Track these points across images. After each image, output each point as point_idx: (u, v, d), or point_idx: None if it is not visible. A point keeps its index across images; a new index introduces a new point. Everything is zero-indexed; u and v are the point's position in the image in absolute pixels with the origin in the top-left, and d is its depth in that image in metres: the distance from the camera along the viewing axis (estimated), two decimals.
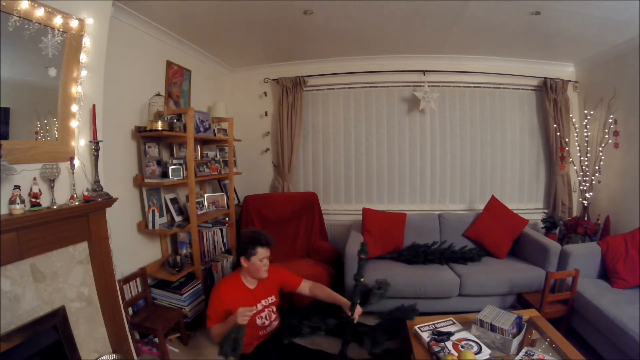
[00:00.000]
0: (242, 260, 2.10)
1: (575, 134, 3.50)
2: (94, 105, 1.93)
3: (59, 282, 1.73)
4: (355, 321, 1.99)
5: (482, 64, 3.74)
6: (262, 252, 2.09)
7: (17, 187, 1.52)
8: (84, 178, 1.91)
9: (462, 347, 1.69)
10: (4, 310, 1.47)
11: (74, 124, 1.84)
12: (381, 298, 2.16)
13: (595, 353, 2.19)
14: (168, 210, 2.86)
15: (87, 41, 1.86)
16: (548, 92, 3.63)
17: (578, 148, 3.48)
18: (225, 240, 3.22)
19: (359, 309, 2.02)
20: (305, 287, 2.27)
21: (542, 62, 3.72)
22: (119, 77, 2.43)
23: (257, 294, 2.15)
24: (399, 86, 3.87)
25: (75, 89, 1.84)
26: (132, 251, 2.57)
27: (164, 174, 2.73)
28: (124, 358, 1.98)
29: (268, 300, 2.20)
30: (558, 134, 3.60)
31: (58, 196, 1.71)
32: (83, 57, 1.85)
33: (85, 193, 1.84)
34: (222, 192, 3.56)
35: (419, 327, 1.89)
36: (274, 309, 2.22)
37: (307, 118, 4.01)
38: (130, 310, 2.35)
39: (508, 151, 3.88)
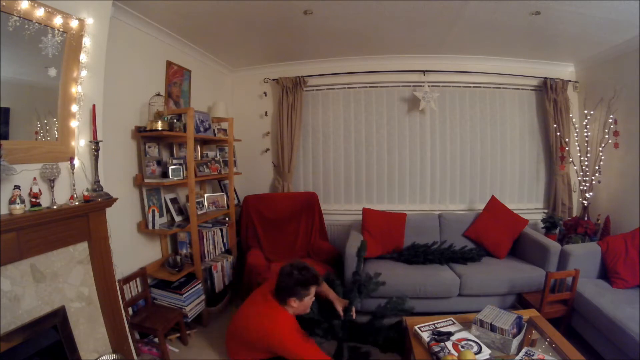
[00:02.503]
0: (292, 301, 1.96)
1: (575, 134, 3.50)
2: (94, 105, 1.93)
3: (59, 282, 1.73)
4: (353, 317, 2.06)
5: (482, 64, 3.74)
6: (313, 291, 2.00)
7: (17, 187, 1.52)
8: (84, 178, 1.91)
9: (462, 347, 1.69)
10: (4, 310, 1.47)
11: (74, 124, 1.84)
12: (377, 286, 2.28)
13: (595, 353, 2.19)
14: (168, 210, 2.86)
15: (87, 41, 1.86)
16: (548, 92, 3.63)
17: (578, 148, 3.48)
18: (225, 240, 3.22)
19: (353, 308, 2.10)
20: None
21: (542, 62, 3.72)
22: (119, 77, 2.43)
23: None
24: (399, 86, 3.87)
25: (75, 89, 1.84)
26: (132, 251, 2.57)
27: (164, 174, 2.73)
28: (124, 358, 1.98)
29: None
30: (558, 134, 3.60)
31: (58, 196, 1.71)
32: (83, 57, 1.85)
33: (85, 193, 1.84)
34: (222, 192, 3.56)
35: (419, 327, 1.89)
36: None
37: (307, 118, 4.01)
38: (130, 310, 2.35)
39: (508, 151, 3.88)
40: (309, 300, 1.98)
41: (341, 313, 2.10)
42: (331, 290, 2.25)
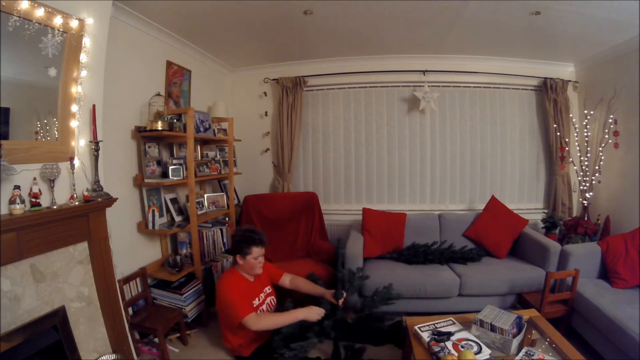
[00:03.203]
0: (238, 258, 2.16)
1: (575, 134, 3.50)
2: (94, 105, 1.93)
3: (59, 282, 1.73)
4: (340, 304, 2.16)
5: (482, 64, 3.74)
6: (256, 251, 2.14)
7: (17, 187, 1.52)
8: (84, 178, 1.90)
9: (462, 347, 1.69)
10: (4, 310, 1.47)
11: (74, 124, 1.84)
12: (362, 280, 2.39)
13: (595, 353, 2.19)
14: (168, 210, 2.86)
15: (87, 41, 1.86)
16: (548, 92, 3.63)
17: (578, 148, 3.48)
18: (225, 240, 3.22)
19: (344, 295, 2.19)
20: (286, 279, 2.41)
21: (542, 62, 3.72)
22: (119, 77, 2.43)
23: (255, 286, 2.24)
24: (399, 86, 3.87)
25: (75, 89, 1.84)
26: (132, 251, 2.57)
27: (164, 174, 2.73)
28: (124, 358, 1.98)
29: (266, 292, 2.29)
30: (558, 134, 3.60)
31: (58, 196, 1.71)
32: (83, 57, 1.85)
33: (85, 193, 1.84)
34: (222, 192, 3.56)
35: (419, 327, 1.88)
36: (273, 300, 2.30)
37: (307, 118, 4.01)
38: (130, 310, 2.35)
39: (508, 151, 3.88)
40: (252, 260, 2.12)
41: (333, 300, 2.20)
42: (317, 285, 2.38)
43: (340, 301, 2.17)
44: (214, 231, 3.08)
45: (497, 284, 2.75)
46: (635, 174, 3.03)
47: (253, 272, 2.20)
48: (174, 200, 2.96)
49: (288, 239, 3.50)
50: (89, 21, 1.86)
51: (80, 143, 1.89)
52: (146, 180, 2.61)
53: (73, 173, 1.82)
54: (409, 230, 3.37)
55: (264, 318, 2.04)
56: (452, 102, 3.85)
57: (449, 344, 1.72)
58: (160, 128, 2.53)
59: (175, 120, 2.72)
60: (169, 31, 2.92)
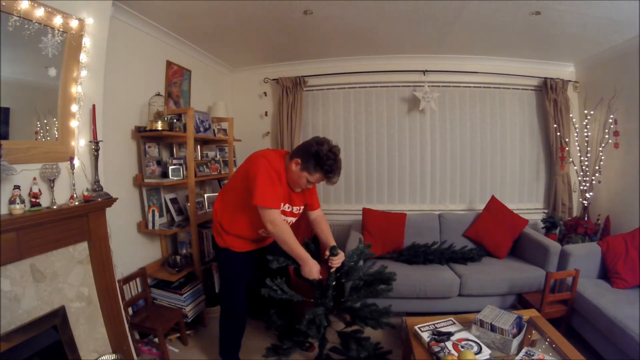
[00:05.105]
0: (296, 161, 1.85)
1: (575, 134, 3.50)
2: (94, 105, 1.92)
3: (59, 282, 1.73)
4: (332, 269, 1.93)
5: (482, 64, 3.74)
6: (316, 178, 1.86)
7: (17, 187, 1.52)
8: (84, 178, 1.90)
9: (462, 347, 1.69)
10: (4, 310, 1.47)
11: (74, 124, 1.84)
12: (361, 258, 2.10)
13: (595, 353, 2.19)
14: (168, 210, 2.86)
15: (87, 41, 1.86)
16: (548, 92, 3.63)
17: (578, 148, 3.48)
18: None
19: (340, 256, 1.94)
20: (314, 214, 2.19)
21: (542, 62, 3.72)
22: (119, 77, 2.43)
23: (293, 196, 1.99)
24: (399, 86, 3.86)
25: (75, 89, 1.84)
26: (132, 251, 2.57)
27: (164, 174, 2.73)
28: (124, 358, 1.98)
29: (299, 209, 2.07)
30: (558, 134, 3.60)
31: (58, 196, 1.71)
32: (83, 57, 1.85)
33: (85, 193, 1.84)
34: None
35: (419, 327, 1.89)
36: (293, 220, 2.08)
37: (307, 118, 4.00)
38: (130, 310, 2.35)
39: (508, 151, 3.88)
40: (304, 179, 1.86)
41: (326, 254, 1.96)
42: (330, 236, 2.11)
43: (334, 260, 1.91)
44: None
45: (497, 284, 2.75)
46: (635, 174, 3.03)
47: (292, 186, 1.93)
48: (174, 200, 2.95)
49: None
50: (89, 21, 1.86)
51: (80, 143, 1.88)
52: (146, 180, 2.61)
53: (73, 173, 1.82)
54: (409, 230, 3.37)
55: (286, 227, 1.82)
56: (452, 102, 3.85)
57: (449, 344, 1.72)
58: (160, 128, 2.53)
59: (175, 120, 2.72)
60: (169, 31, 2.92)
